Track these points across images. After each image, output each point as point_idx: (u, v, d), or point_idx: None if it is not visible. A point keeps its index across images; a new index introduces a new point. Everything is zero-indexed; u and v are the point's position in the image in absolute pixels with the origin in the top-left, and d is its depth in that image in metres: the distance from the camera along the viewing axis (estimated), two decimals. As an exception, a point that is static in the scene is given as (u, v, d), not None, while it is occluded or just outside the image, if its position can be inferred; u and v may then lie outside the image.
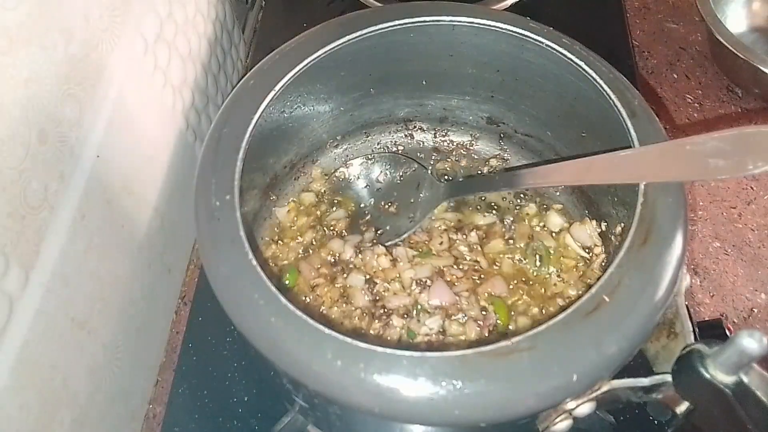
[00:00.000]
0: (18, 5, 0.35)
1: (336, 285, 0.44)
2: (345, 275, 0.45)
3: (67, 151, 0.40)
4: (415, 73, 0.49)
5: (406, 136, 0.55)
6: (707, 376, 0.30)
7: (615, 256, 0.33)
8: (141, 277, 0.51)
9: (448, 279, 0.44)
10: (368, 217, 0.49)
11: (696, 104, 0.69)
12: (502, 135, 0.53)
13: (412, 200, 0.49)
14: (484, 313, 0.42)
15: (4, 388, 0.36)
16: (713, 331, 0.36)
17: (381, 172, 0.51)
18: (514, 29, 0.43)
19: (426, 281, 0.44)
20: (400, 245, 0.46)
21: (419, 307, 0.43)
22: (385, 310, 0.42)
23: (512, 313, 0.43)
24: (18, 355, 0.36)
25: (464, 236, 0.47)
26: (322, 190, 0.51)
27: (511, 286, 0.45)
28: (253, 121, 0.39)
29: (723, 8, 0.70)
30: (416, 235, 0.47)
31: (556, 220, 0.48)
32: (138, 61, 0.49)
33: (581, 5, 0.73)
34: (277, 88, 0.41)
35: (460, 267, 0.45)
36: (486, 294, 0.44)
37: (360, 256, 0.45)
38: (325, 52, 0.43)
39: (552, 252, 0.46)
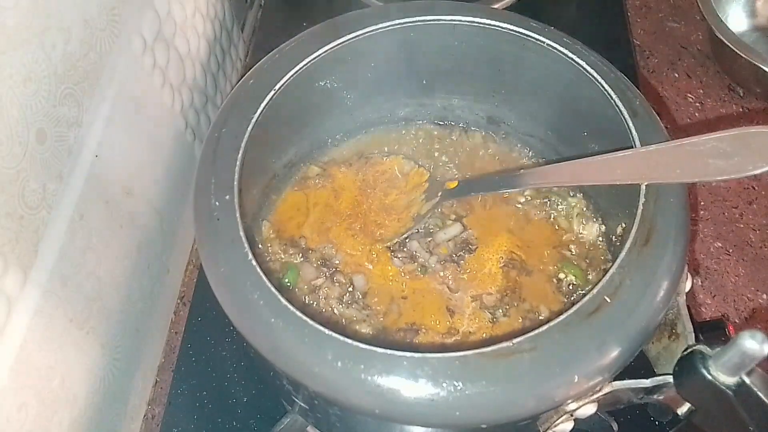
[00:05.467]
0: (16, 4, 0.35)
1: (334, 284, 0.44)
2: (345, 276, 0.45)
3: (65, 151, 0.40)
4: (415, 73, 0.49)
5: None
6: (709, 377, 0.30)
7: (616, 257, 0.33)
8: (140, 277, 0.51)
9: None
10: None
11: (697, 103, 0.68)
12: (502, 135, 0.52)
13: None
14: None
15: (2, 389, 0.35)
16: (715, 332, 0.36)
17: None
18: (515, 28, 0.43)
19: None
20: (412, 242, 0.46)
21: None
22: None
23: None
24: (17, 356, 0.36)
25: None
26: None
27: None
28: (253, 121, 0.39)
29: (724, 7, 0.70)
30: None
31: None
32: (137, 61, 0.49)
33: (582, 4, 0.73)
34: (276, 87, 0.41)
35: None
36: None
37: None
38: (325, 51, 0.43)
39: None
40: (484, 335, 0.42)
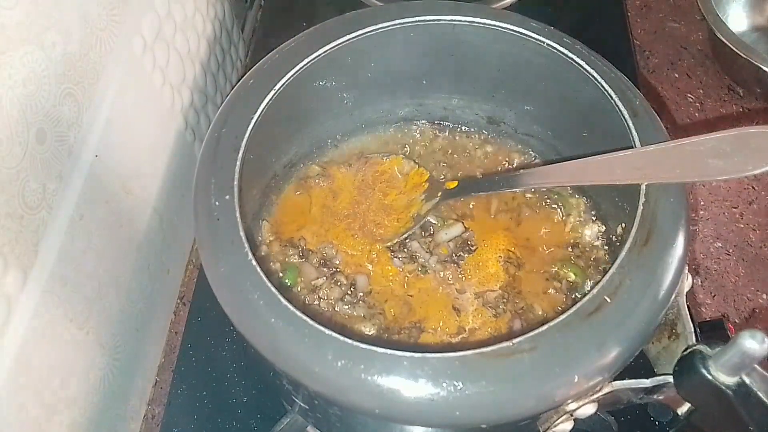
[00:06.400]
0: (16, 4, 0.35)
1: (335, 284, 0.44)
2: (345, 276, 0.45)
3: (65, 151, 0.40)
4: (415, 73, 0.49)
5: (406, 135, 0.54)
6: (709, 377, 0.30)
7: (616, 257, 0.33)
8: (140, 277, 0.51)
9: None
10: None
11: (697, 103, 0.68)
12: (502, 135, 0.52)
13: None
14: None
15: (2, 389, 0.35)
16: (715, 332, 0.36)
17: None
18: (515, 28, 0.43)
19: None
20: (412, 243, 0.46)
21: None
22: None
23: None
24: (16, 356, 0.36)
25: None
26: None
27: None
28: (253, 121, 0.39)
29: (724, 7, 0.70)
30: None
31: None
32: (136, 60, 0.49)
33: (582, 4, 0.73)
34: (276, 87, 0.41)
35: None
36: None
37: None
38: (325, 51, 0.43)
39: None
40: (489, 330, 0.42)
